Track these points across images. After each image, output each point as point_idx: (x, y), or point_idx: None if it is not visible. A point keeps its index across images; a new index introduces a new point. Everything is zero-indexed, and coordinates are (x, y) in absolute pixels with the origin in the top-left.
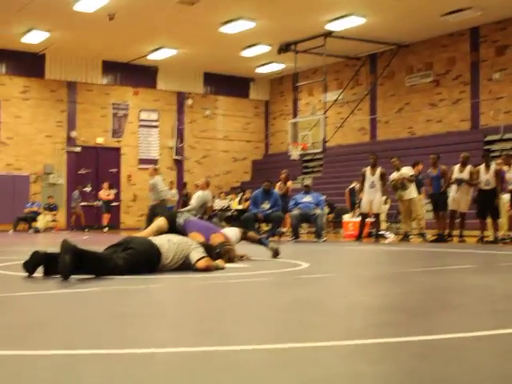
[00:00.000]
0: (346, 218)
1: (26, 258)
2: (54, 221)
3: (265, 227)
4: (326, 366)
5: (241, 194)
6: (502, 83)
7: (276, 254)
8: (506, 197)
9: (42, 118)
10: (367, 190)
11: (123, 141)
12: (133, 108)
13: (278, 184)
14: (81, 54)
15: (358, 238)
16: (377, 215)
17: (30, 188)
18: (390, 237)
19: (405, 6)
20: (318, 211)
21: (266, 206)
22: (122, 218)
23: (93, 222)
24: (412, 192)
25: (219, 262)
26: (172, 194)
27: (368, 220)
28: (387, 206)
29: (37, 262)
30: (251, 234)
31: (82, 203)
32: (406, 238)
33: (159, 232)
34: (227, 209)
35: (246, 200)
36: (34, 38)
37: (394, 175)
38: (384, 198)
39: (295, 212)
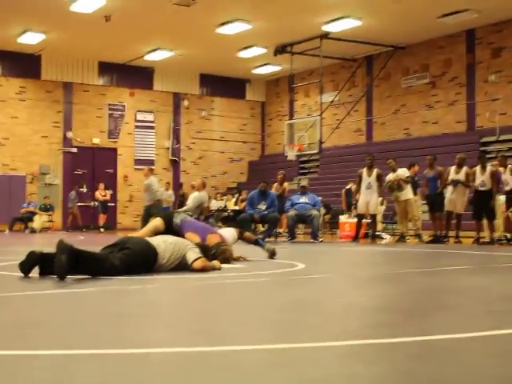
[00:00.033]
0: (343, 218)
1: (22, 258)
2: (50, 221)
3: (261, 228)
4: (322, 366)
5: (237, 194)
6: (497, 85)
7: (272, 254)
8: (501, 198)
9: (38, 119)
10: (364, 191)
11: (119, 141)
12: (129, 109)
13: (275, 185)
14: (77, 55)
15: (355, 238)
16: (373, 216)
17: (26, 188)
18: (387, 238)
19: (401, 8)
20: (314, 212)
21: (263, 206)
22: (119, 219)
23: (89, 222)
24: (408, 193)
25: (215, 263)
26: (168, 195)
27: (364, 221)
28: (383, 207)
29: (33, 262)
30: (248, 234)
31: (79, 204)
32: (402, 238)
33: (156, 232)
34: (223, 209)
35: (243, 201)
36: (31, 39)
37: (390, 176)
38: (380, 199)
39: (291, 213)
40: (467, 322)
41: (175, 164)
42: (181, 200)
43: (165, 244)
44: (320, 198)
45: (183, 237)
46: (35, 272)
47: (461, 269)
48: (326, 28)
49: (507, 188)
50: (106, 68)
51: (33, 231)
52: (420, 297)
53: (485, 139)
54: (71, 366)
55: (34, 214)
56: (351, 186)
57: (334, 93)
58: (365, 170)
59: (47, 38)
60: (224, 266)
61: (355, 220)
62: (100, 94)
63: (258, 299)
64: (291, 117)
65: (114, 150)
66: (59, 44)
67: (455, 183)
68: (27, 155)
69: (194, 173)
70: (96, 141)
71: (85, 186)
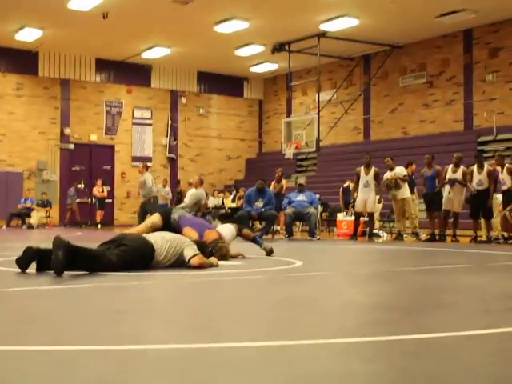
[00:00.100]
0: (340, 216)
1: (19, 253)
2: (47, 217)
3: (258, 225)
4: (319, 363)
5: (234, 192)
6: (495, 85)
7: (270, 253)
8: (498, 197)
9: (35, 115)
10: (361, 189)
11: (117, 138)
12: (126, 106)
13: (273, 183)
14: (74, 52)
15: (353, 236)
16: (371, 214)
17: (23, 184)
18: (384, 236)
19: (399, 7)
20: (311, 210)
21: (260, 204)
22: (116, 215)
23: (86, 218)
24: (405, 191)
25: (212, 260)
26: (166, 192)
27: (362, 219)
28: (381, 206)
29: (30, 258)
30: (246, 231)
31: (77, 200)
32: (399, 237)
33: (153, 228)
34: (221, 207)
35: (240, 198)
36: (28, 36)
37: (388, 175)
38: (378, 197)
39: (289, 210)
40: (464, 321)
41: (173, 161)
42: (178, 197)
43: (162, 240)
44: (317, 195)
45: (181, 233)
46: (32, 268)
47: (458, 267)
48: (324, 27)
49: (504, 187)
50: (103, 65)
51: (30, 227)
52: (417, 295)
53: (482, 138)
54: (69, 361)
55: (31, 209)
56: (348, 184)
57: (331, 91)
58: (362, 169)
59: (45, 34)
60: (221, 262)
61: (352, 218)
62: (97, 91)
63: (255, 296)
64: (289, 115)
65: (112, 147)
66: (57, 41)
67: (452, 182)
68: (24, 151)
69: (192, 170)
70: (93, 137)
71: (82, 183)
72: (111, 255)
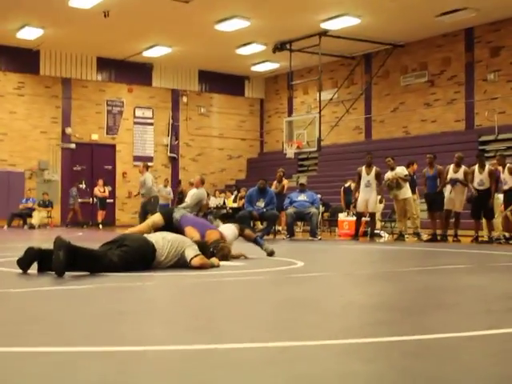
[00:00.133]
0: (341, 216)
1: (21, 254)
2: (48, 217)
3: (260, 225)
4: (320, 364)
5: (236, 192)
6: (496, 84)
7: (270, 254)
8: (500, 197)
9: (36, 114)
10: (363, 189)
11: (118, 138)
12: (128, 105)
13: (274, 183)
14: (76, 51)
15: (355, 236)
16: (372, 214)
17: (24, 184)
18: (385, 236)
19: (400, 6)
20: (312, 210)
21: (261, 204)
22: (117, 215)
23: (87, 218)
24: (407, 191)
25: (214, 260)
26: (167, 192)
27: (364, 219)
28: (382, 206)
29: (31, 259)
30: (248, 232)
31: (79, 200)
32: (401, 237)
33: (154, 227)
34: (222, 207)
35: (241, 198)
36: (29, 34)
37: (389, 175)
38: (379, 197)
39: (290, 210)
40: (465, 321)
41: (174, 161)
42: (180, 197)
43: (163, 241)
44: (319, 195)
45: (182, 233)
46: (34, 268)
47: (459, 268)
48: (325, 26)
49: (506, 187)
50: (104, 64)
51: (31, 227)
52: (418, 295)
53: (483, 138)
54: (69, 362)
55: (32, 209)
56: (350, 183)
57: (332, 90)
58: (364, 168)
59: (46, 33)
60: (223, 263)
61: (354, 218)
62: (99, 90)
63: (256, 297)
64: (290, 114)
65: (113, 147)
66: (58, 39)
67: (454, 182)
68: (26, 151)
69: (193, 170)
70: (95, 137)
71: (84, 183)
72: (112, 256)
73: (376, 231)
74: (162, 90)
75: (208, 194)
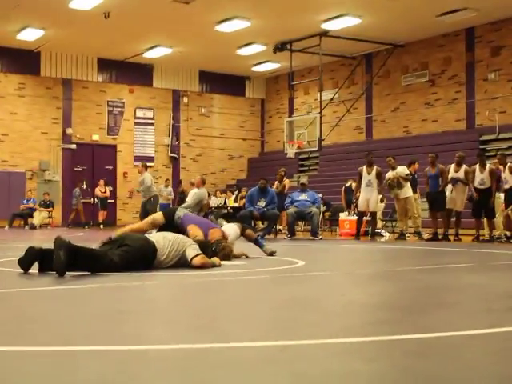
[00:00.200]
0: (342, 216)
1: (22, 254)
2: (49, 217)
3: (261, 225)
4: (321, 363)
5: (236, 191)
6: (497, 83)
7: (271, 255)
8: (501, 196)
9: (37, 115)
10: (364, 188)
11: (119, 138)
12: (128, 106)
13: (275, 183)
14: (76, 52)
15: (357, 236)
16: (373, 214)
17: (25, 184)
18: (386, 235)
19: (400, 6)
20: (313, 209)
21: (262, 203)
22: (118, 215)
23: (89, 219)
24: (408, 191)
25: (215, 260)
26: (168, 192)
27: (365, 218)
28: (383, 205)
29: (32, 258)
30: (249, 231)
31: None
32: (402, 236)
33: (154, 225)
34: (223, 206)
35: (242, 198)
36: (30, 35)
37: (390, 174)
38: (380, 196)
39: (291, 210)
40: (466, 320)
41: (175, 161)
42: (181, 197)
43: (164, 240)
44: (320, 195)
45: (184, 232)
46: (35, 268)
47: (460, 267)
48: (326, 26)
49: (506, 186)
50: (105, 65)
51: (32, 227)
52: (419, 294)
53: (484, 137)
54: (70, 362)
55: (33, 210)
56: (351, 183)
57: (333, 90)
58: (365, 168)
59: (46, 34)
60: (224, 262)
61: (355, 217)
62: (99, 91)
63: (257, 296)
64: (291, 114)
65: (114, 147)
66: (58, 40)
67: (455, 181)
68: (27, 151)
69: (194, 170)
70: (95, 137)
71: (85, 183)
72: (113, 255)
73: (377, 230)
74: (162, 90)
75: (209, 194)
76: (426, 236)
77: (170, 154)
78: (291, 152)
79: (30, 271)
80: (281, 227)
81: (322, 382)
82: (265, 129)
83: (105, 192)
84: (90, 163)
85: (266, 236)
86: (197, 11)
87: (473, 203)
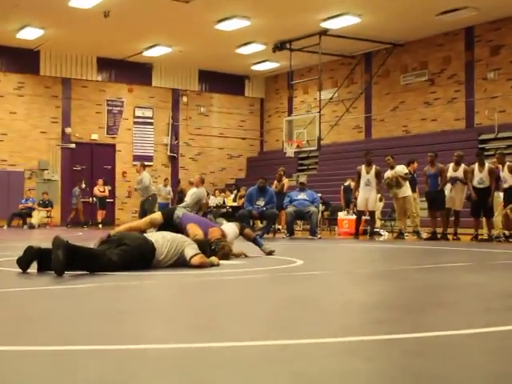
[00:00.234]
0: (341, 215)
1: (20, 253)
2: (48, 217)
3: (260, 224)
4: (319, 362)
5: (236, 191)
6: (496, 82)
7: (270, 254)
8: (500, 195)
9: (36, 114)
10: (363, 187)
11: (118, 137)
12: (128, 105)
13: (274, 182)
14: (76, 51)
15: (356, 235)
16: (372, 213)
17: (24, 184)
18: (385, 234)
19: (400, 5)
20: (312, 208)
21: (261, 203)
22: (117, 215)
23: (87, 218)
24: (407, 190)
25: (213, 259)
26: (167, 191)
27: (364, 218)
28: (382, 204)
29: (30, 258)
30: (248, 231)
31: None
32: (400, 235)
33: (152, 224)
34: (222, 206)
35: (241, 197)
36: (29, 35)
37: (388, 173)
38: (379, 195)
39: (290, 209)
40: (464, 319)
41: (174, 160)
42: (179, 196)
43: (163, 240)
44: (319, 194)
45: (183, 232)
46: (33, 268)
47: (459, 266)
48: (325, 25)
49: (505, 185)
50: (104, 64)
51: (31, 227)
52: (418, 293)
53: (483, 137)
54: (69, 361)
55: (32, 209)
56: (350, 182)
57: (332, 90)
58: (364, 167)
59: (46, 33)
60: (223, 262)
61: (353, 217)
62: (99, 90)
63: (256, 295)
64: (290, 113)
65: (113, 146)
66: (58, 39)
67: (454, 181)
68: (26, 151)
69: (193, 169)
70: (94, 137)
71: (84, 182)
72: (112, 255)
73: (376, 230)
74: (162, 89)
75: (208, 194)
76: (424, 235)
77: (169, 154)
78: (290, 151)
79: (28, 271)
80: (280, 226)
81: (321, 381)
82: (264, 128)
83: (103, 191)
84: (89, 162)
85: (265, 235)
86: (196, 10)
87: (471, 202)
